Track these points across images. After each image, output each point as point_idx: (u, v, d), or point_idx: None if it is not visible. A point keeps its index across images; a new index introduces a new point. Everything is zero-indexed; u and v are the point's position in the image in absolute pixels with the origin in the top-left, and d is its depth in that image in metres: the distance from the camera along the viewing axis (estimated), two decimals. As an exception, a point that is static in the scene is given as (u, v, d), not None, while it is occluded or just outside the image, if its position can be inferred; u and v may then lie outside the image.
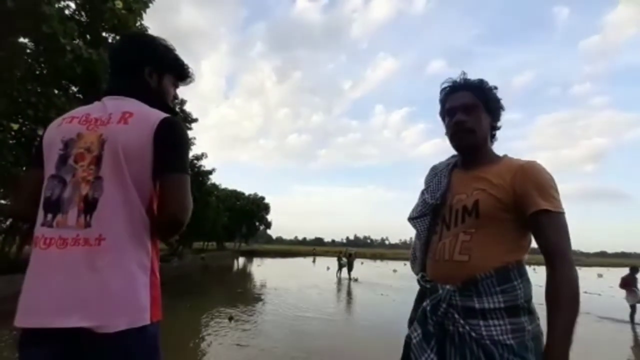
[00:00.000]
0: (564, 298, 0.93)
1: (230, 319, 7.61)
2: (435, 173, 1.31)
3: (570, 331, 0.91)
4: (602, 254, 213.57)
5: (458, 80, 1.21)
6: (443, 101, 1.24)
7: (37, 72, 8.06)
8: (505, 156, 1.20)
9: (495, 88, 1.21)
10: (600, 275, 29.31)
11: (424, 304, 1.09)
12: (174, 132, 0.97)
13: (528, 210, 1.02)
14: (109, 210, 0.88)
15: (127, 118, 0.95)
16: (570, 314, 0.92)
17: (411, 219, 1.28)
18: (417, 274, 1.27)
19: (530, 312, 1.04)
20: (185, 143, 1.01)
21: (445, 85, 1.23)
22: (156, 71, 1.09)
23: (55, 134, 0.98)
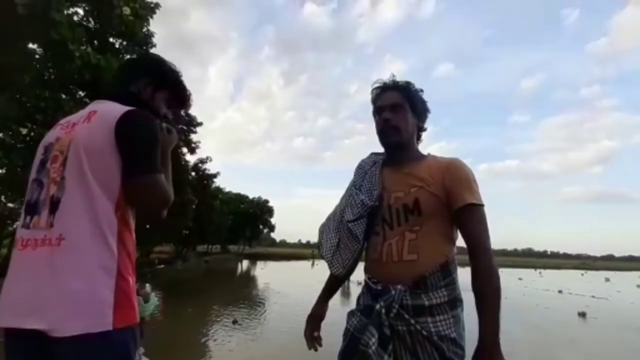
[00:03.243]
0: (489, 289, 1.02)
1: (235, 322, 7.63)
2: (364, 171, 1.31)
3: (497, 317, 1.00)
4: (610, 258, 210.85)
5: (387, 81, 1.26)
6: (374, 101, 1.29)
7: (46, 78, 8.19)
8: (429, 154, 1.25)
9: (421, 91, 1.26)
10: (607, 279, 28.88)
11: (377, 306, 1.08)
12: (134, 124, 0.92)
13: (455, 204, 1.08)
14: (70, 209, 0.87)
15: (91, 116, 0.94)
16: (495, 302, 1.01)
17: (349, 222, 1.24)
18: (335, 272, 1.29)
19: (462, 301, 1.12)
20: (150, 135, 0.94)
21: (376, 86, 1.28)
22: (153, 84, 1.09)
23: (42, 141, 1.01)
